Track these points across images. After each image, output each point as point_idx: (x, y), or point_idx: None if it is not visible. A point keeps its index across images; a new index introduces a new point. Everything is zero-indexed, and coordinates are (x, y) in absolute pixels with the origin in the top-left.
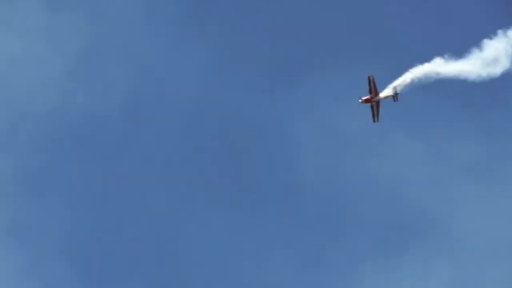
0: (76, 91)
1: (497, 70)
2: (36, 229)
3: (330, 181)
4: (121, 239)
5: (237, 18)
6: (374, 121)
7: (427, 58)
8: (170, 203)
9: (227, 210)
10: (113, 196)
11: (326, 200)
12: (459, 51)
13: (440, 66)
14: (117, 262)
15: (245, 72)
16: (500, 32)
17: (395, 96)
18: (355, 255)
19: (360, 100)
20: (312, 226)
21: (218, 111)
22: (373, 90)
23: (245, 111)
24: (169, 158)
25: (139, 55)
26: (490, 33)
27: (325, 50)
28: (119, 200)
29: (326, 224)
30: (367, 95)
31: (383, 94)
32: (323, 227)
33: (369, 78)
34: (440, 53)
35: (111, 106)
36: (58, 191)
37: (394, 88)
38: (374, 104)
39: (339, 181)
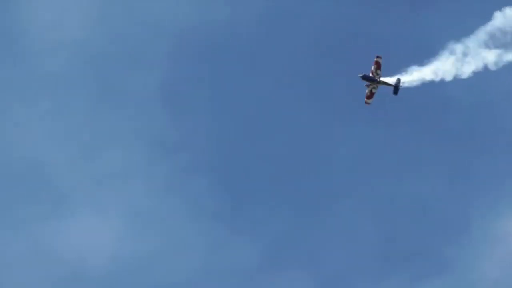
0: (215, 5)
1: None
2: (183, 141)
3: (476, 95)
4: (262, 155)
5: None
6: (365, 102)
7: None
8: (312, 118)
9: (372, 126)
10: (254, 110)
11: (472, 114)
12: None
13: None
14: (258, 177)
15: None
16: None
17: (396, 87)
18: (502, 170)
19: (360, 75)
20: (458, 140)
21: (355, 29)
22: (376, 70)
23: (384, 28)
24: (306, 72)
25: None
26: None
27: None
28: (260, 114)
29: (473, 139)
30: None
31: (385, 79)
32: (470, 141)
33: (377, 57)
34: None
35: (250, 22)
36: (201, 105)
37: (398, 79)
38: (373, 86)
39: (485, 94)
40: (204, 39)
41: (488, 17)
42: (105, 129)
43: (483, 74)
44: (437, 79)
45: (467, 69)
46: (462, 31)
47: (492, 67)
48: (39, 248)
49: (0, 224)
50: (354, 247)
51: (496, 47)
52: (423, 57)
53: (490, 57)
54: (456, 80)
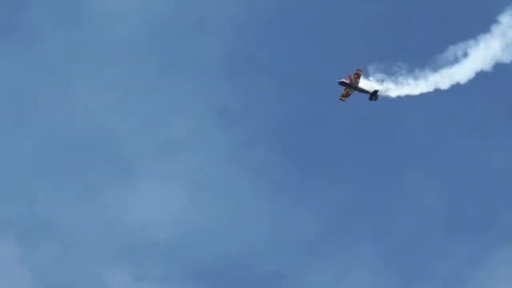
0: None
1: None
2: (247, 110)
3: None
4: (327, 124)
5: None
6: (340, 99)
7: None
8: None
9: (440, 94)
10: (318, 78)
11: None
12: None
13: None
14: (322, 146)
15: None
16: None
17: (373, 96)
18: None
19: (338, 81)
20: None
21: None
22: (355, 79)
23: None
24: (372, 41)
25: None
26: None
27: None
28: (324, 82)
29: None
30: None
31: (363, 86)
32: None
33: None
34: None
35: None
36: (266, 74)
37: (375, 91)
38: (351, 91)
39: None
40: (269, 7)
41: None
42: (170, 98)
43: None
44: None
45: None
46: None
47: None
48: (105, 216)
49: (68, 192)
50: (421, 216)
51: None
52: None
53: None
54: None
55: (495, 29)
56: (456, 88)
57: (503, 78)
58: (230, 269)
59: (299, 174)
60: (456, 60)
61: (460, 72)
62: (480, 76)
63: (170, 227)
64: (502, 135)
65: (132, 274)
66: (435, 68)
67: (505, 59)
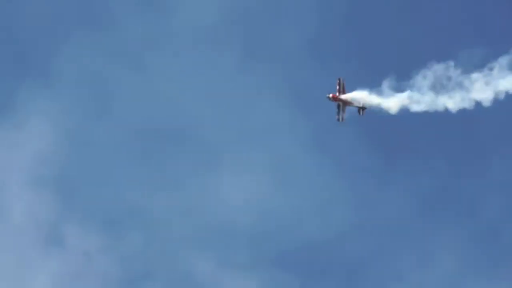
0: None
1: None
2: (317, 97)
3: None
4: None
5: None
6: (338, 119)
7: None
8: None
9: None
10: (403, 64)
11: None
12: None
13: None
14: (409, 129)
15: None
16: None
17: (361, 109)
18: None
19: (327, 96)
20: None
21: None
22: (341, 91)
23: None
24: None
25: None
26: None
27: None
28: (406, 67)
29: None
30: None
31: (350, 96)
32: None
33: (338, 79)
34: None
35: None
36: (348, 61)
37: (362, 102)
38: (341, 104)
39: None
40: None
41: None
42: (252, 86)
43: None
44: None
45: None
46: None
47: None
48: (190, 204)
49: (152, 181)
50: (509, 200)
51: None
52: None
53: None
54: None
55: None
56: None
57: None
58: (315, 255)
59: (384, 160)
60: None
61: None
62: None
63: (254, 214)
64: None
65: (217, 262)
66: None
67: None
